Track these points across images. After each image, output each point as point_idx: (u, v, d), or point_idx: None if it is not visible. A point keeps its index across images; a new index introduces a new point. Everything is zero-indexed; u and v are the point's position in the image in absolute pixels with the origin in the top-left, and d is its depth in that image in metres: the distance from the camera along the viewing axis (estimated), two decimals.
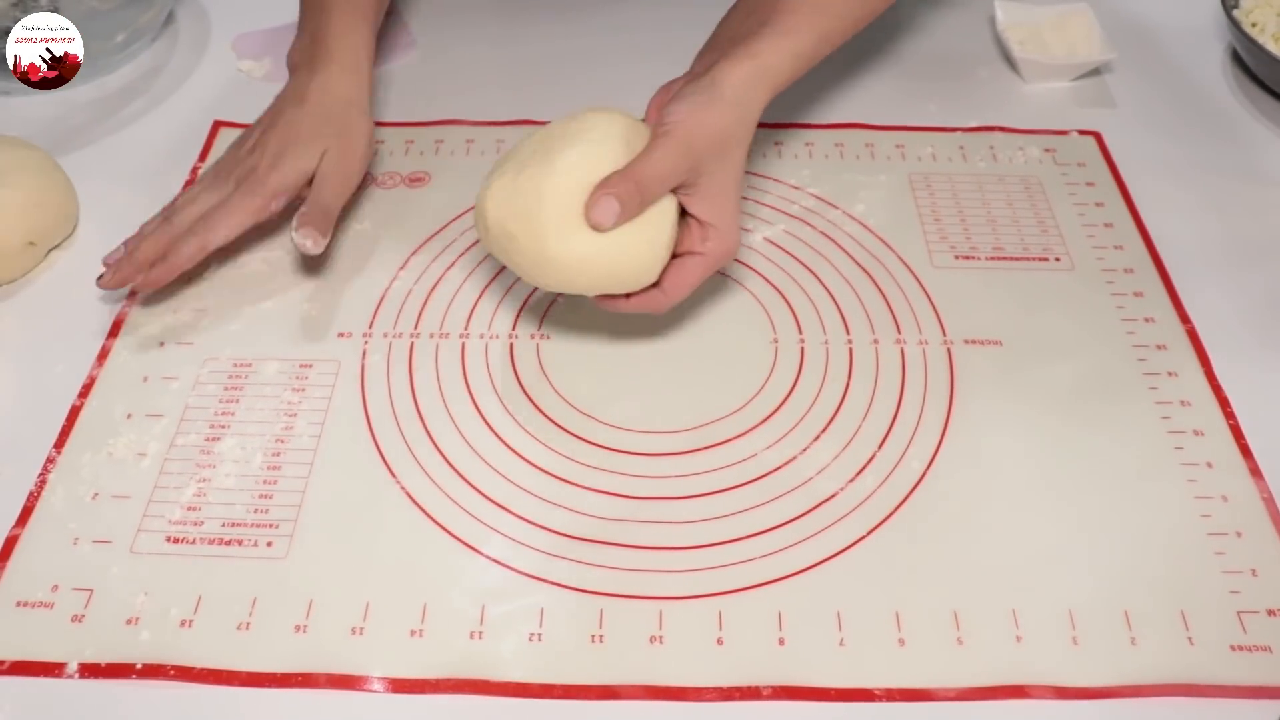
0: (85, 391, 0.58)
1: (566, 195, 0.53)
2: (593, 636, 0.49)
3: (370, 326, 0.62)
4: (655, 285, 0.56)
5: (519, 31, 0.85)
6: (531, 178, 0.53)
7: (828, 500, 0.54)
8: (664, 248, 0.55)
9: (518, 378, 0.60)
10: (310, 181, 0.63)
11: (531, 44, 0.83)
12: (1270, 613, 0.50)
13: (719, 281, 0.65)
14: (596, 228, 0.52)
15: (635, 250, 0.54)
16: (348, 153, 0.64)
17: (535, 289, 0.64)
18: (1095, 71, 0.80)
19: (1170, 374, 0.60)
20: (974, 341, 0.61)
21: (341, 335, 0.62)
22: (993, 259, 0.66)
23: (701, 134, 0.53)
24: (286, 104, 0.65)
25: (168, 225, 0.62)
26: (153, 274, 0.60)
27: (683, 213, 0.56)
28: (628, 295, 0.56)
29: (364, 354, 0.61)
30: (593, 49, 0.83)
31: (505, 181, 0.54)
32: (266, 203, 0.62)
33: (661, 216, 0.54)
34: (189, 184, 0.71)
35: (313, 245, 0.60)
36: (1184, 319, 0.63)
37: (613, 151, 0.54)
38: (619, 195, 0.52)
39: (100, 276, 0.60)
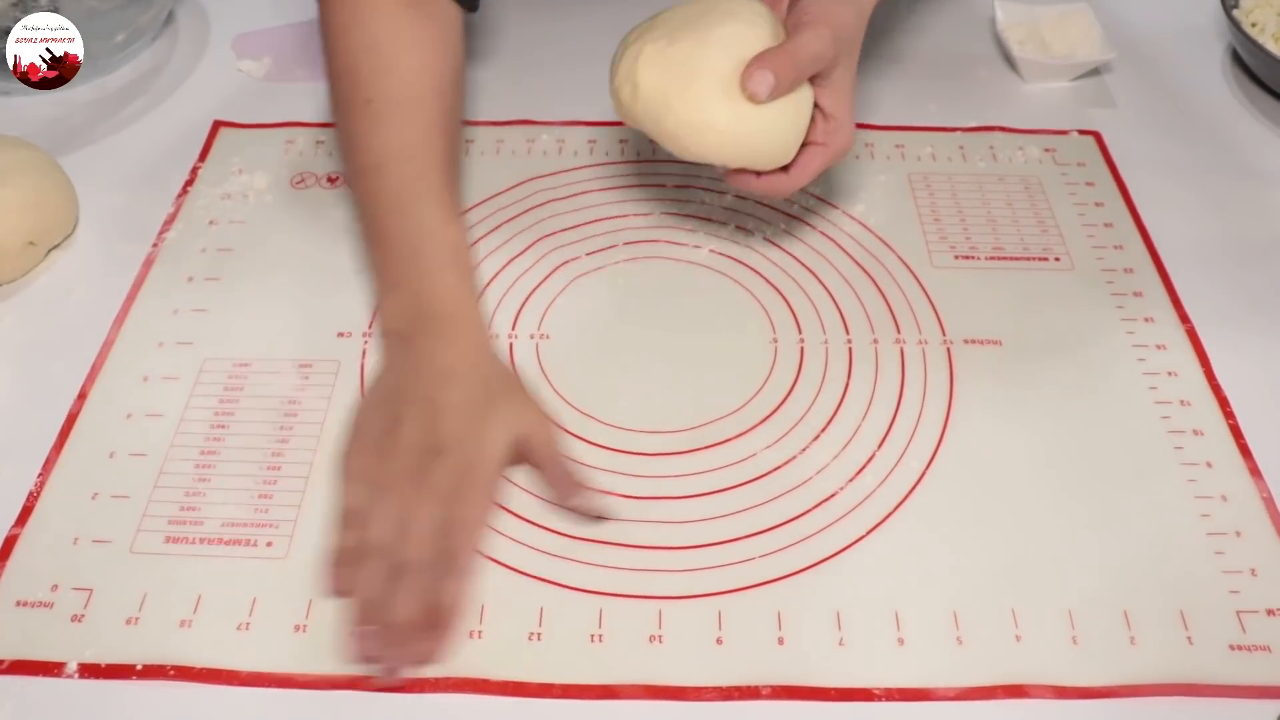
0: (85, 391, 0.58)
1: (724, 65, 0.55)
2: (592, 636, 0.49)
3: (370, 326, 0.62)
4: (783, 170, 0.59)
5: (519, 32, 0.85)
6: (689, 47, 0.56)
7: (827, 500, 0.54)
8: (801, 132, 0.58)
9: None
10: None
11: (531, 45, 0.83)
12: (1270, 612, 0.50)
13: (719, 281, 0.65)
14: (752, 98, 0.55)
15: (779, 128, 0.57)
16: (531, 409, 0.55)
17: (538, 285, 0.64)
18: (1095, 71, 0.80)
19: (1170, 374, 0.60)
20: (973, 341, 0.61)
21: (341, 335, 0.62)
22: (992, 259, 0.66)
23: (841, 26, 0.57)
24: (432, 387, 0.53)
25: (404, 577, 0.48)
26: (423, 647, 0.47)
27: None
28: (758, 174, 0.59)
29: (364, 353, 0.61)
30: (593, 51, 0.83)
31: (659, 48, 0.56)
32: (493, 499, 0.52)
33: (803, 102, 0.57)
34: (189, 184, 0.71)
35: (598, 508, 0.52)
36: (1184, 319, 0.63)
37: (763, 32, 0.56)
38: (775, 70, 0.54)
39: (372, 675, 0.47)
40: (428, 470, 0.50)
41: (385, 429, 0.52)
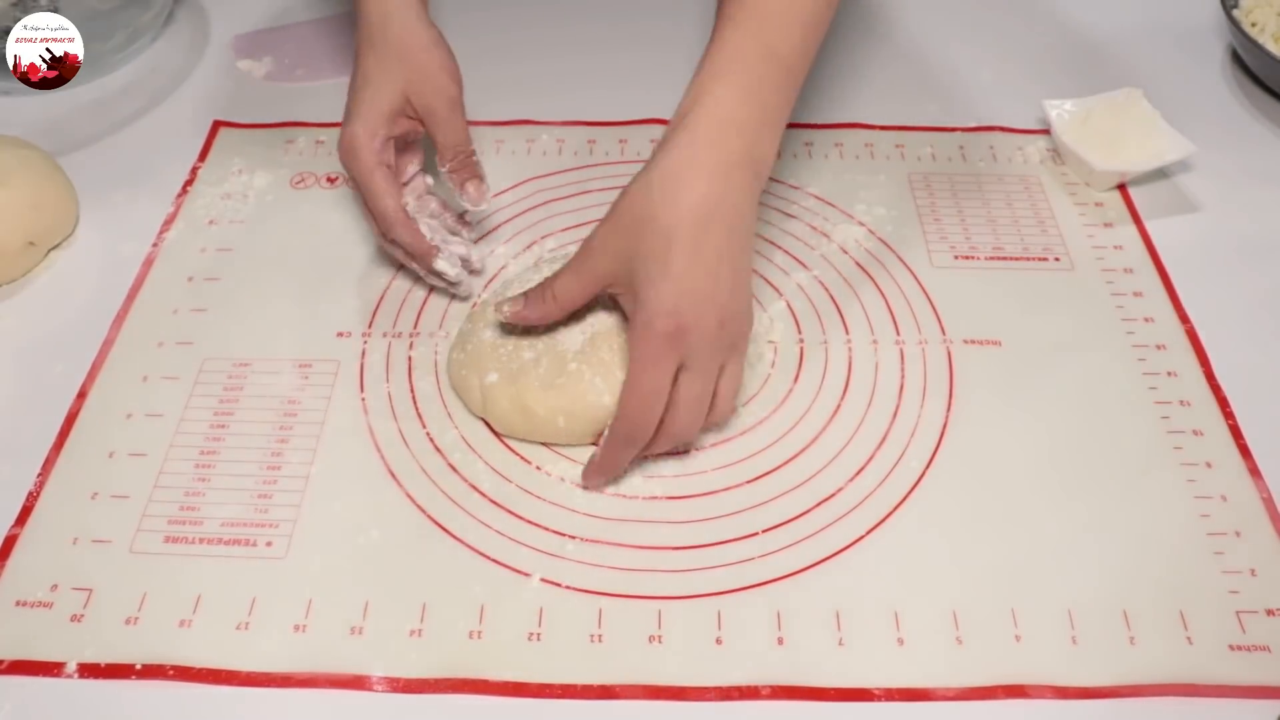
0: (85, 391, 0.58)
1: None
2: (591, 636, 0.49)
3: (369, 326, 0.62)
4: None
5: (519, 33, 0.85)
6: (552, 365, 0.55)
7: (827, 500, 0.54)
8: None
9: None
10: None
11: (531, 45, 0.83)
12: (1269, 612, 0.50)
13: None
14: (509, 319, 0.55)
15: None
16: (427, 73, 0.61)
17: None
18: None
19: (1170, 374, 0.60)
20: (973, 341, 0.61)
21: (341, 335, 0.62)
22: (992, 259, 0.66)
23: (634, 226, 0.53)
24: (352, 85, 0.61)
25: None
26: None
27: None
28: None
29: (363, 353, 0.61)
30: (592, 51, 0.83)
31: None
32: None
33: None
34: (189, 184, 0.71)
35: (477, 195, 0.63)
36: (1183, 319, 0.62)
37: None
38: (526, 306, 0.55)
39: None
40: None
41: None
